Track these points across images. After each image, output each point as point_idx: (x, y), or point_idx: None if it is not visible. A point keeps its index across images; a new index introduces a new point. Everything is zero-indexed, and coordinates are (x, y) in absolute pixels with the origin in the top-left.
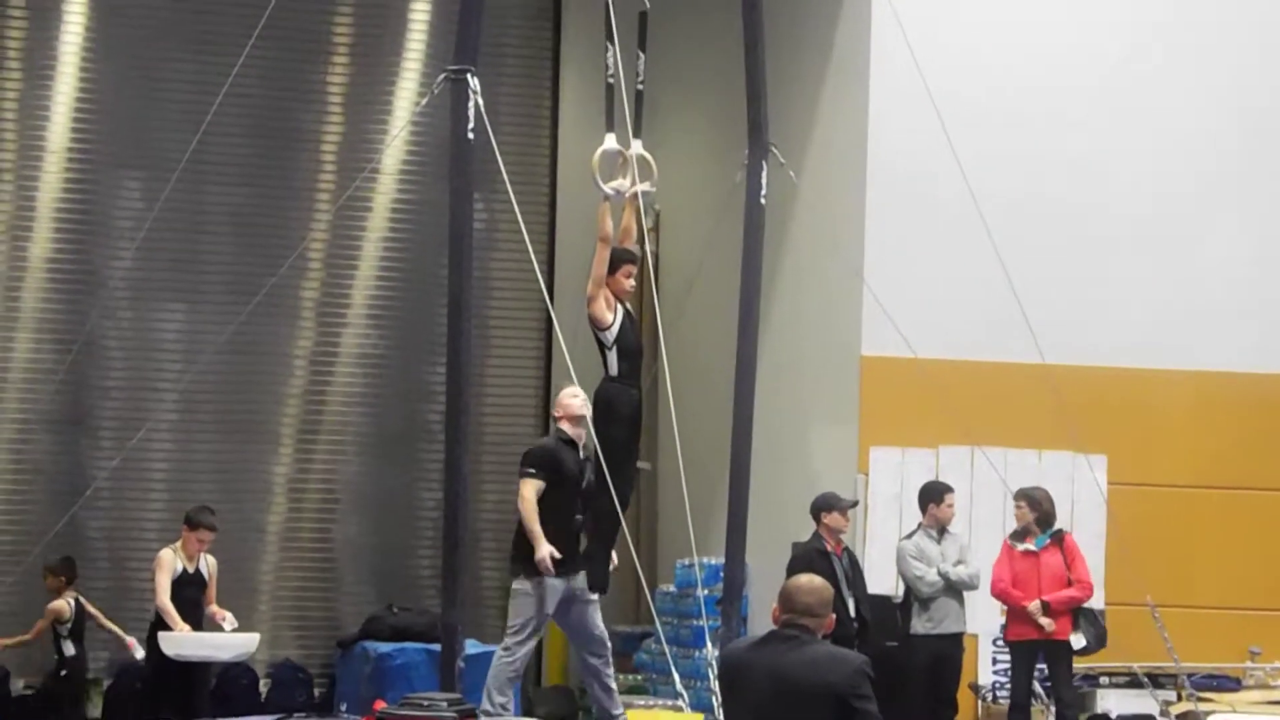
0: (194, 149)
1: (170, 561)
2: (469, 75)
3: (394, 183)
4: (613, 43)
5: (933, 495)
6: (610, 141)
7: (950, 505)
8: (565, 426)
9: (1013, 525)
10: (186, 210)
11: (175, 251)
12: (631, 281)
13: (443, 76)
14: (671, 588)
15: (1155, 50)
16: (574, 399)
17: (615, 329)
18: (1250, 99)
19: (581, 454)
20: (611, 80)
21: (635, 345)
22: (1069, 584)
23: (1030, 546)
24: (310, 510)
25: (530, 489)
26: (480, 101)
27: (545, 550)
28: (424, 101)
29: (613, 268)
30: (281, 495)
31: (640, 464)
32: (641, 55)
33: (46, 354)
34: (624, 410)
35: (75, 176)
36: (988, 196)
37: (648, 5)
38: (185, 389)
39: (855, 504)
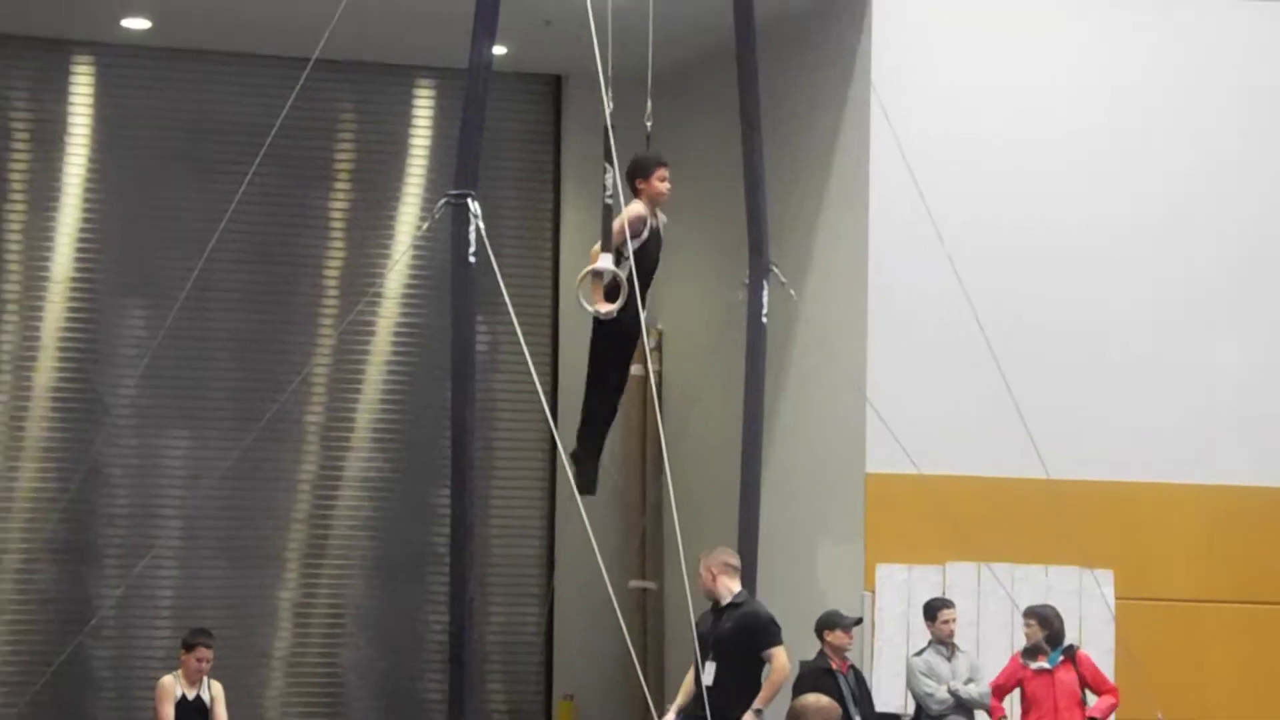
0: (197, 275)
1: (170, 688)
2: (469, 199)
3: (396, 306)
4: (611, 164)
5: (928, 612)
6: (605, 261)
7: (946, 622)
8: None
9: (1020, 641)
10: (190, 337)
11: (179, 378)
12: (667, 185)
13: (443, 201)
14: None
15: (1159, 174)
16: (705, 560)
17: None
18: (1253, 216)
19: (723, 601)
20: (610, 200)
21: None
22: (1082, 702)
23: (1044, 665)
24: (316, 635)
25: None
26: (481, 225)
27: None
28: (425, 226)
29: (645, 172)
30: (287, 620)
31: (645, 584)
32: None
33: (51, 482)
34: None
35: (79, 305)
36: (990, 310)
37: (649, 127)
38: (190, 515)
39: (859, 621)
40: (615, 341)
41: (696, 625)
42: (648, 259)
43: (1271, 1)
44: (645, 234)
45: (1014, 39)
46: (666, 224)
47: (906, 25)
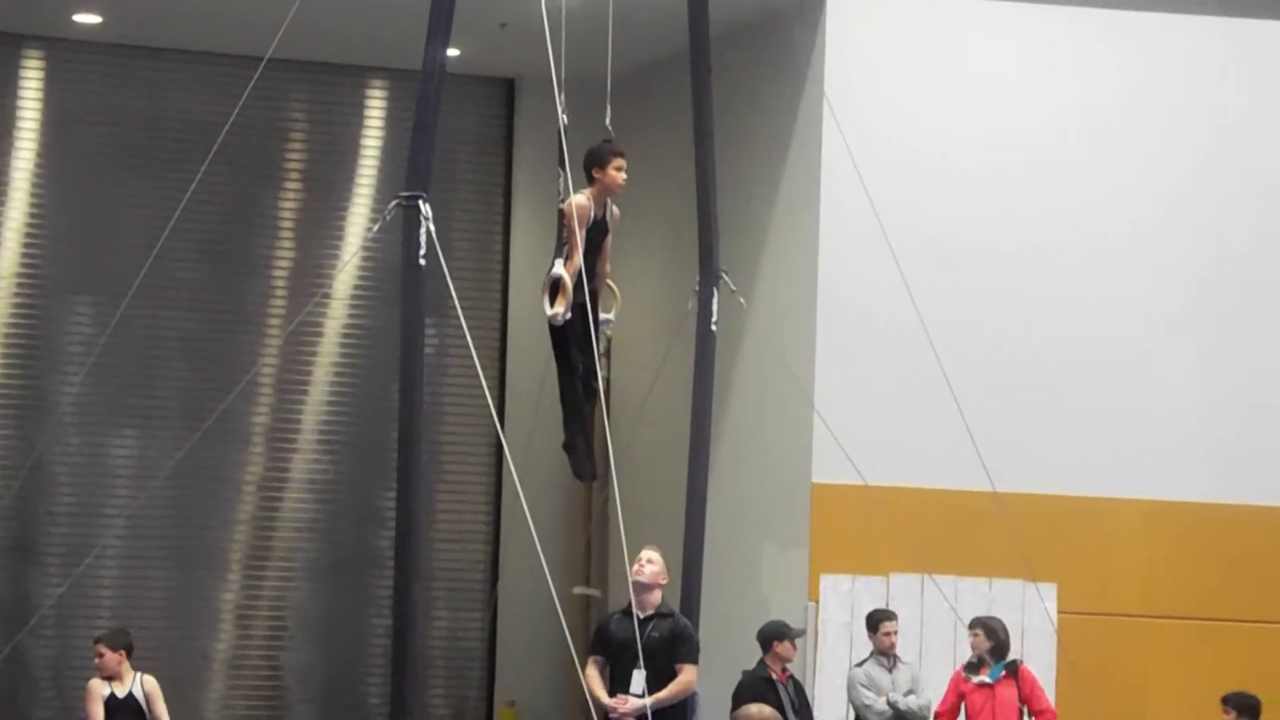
0: (145, 274)
1: (98, 689)
2: (421, 201)
3: (345, 308)
4: (564, 168)
5: (870, 623)
6: (558, 267)
7: (888, 634)
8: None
9: (963, 654)
10: (138, 335)
11: (126, 376)
12: (623, 175)
13: (394, 203)
14: None
15: (1115, 189)
16: (637, 563)
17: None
18: (1210, 234)
19: (644, 613)
20: (563, 206)
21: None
22: (1023, 716)
23: (985, 679)
24: (259, 637)
25: (590, 666)
26: (432, 228)
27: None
28: (375, 228)
29: (602, 161)
30: (230, 622)
31: (589, 590)
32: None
33: None
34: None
35: (25, 302)
36: (940, 322)
37: (611, 131)
38: (134, 515)
39: (803, 633)
40: (569, 328)
41: (607, 630)
42: (589, 251)
43: (1237, 19)
44: (588, 225)
45: (970, 49)
46: (618, 216)
47: (861, 33)
